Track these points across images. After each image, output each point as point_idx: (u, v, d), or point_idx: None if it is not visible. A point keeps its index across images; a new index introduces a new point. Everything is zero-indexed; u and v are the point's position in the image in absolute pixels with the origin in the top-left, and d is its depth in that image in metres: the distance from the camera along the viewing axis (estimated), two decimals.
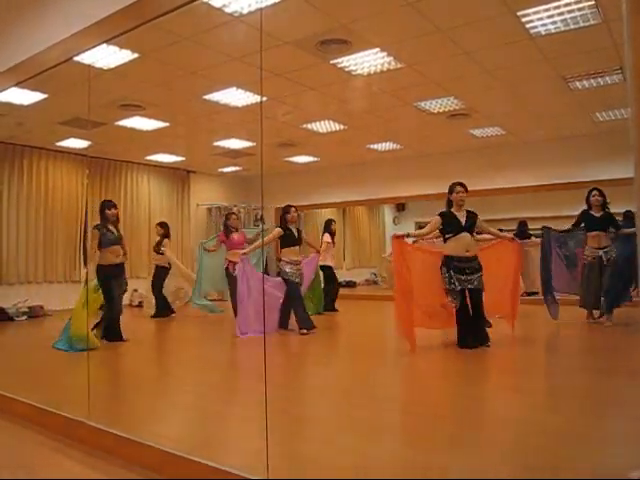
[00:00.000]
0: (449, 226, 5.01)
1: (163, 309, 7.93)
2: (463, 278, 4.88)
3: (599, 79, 5.88)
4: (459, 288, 4.86)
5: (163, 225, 8.07)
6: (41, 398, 3.21)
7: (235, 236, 6.98)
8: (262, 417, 2.34)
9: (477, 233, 5.40)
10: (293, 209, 6.37)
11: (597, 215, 6.05)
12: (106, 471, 2.42)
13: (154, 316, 7.87)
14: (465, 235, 4.96)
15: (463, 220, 5.00)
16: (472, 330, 4.90)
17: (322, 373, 4.46)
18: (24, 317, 7.81)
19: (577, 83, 6.02)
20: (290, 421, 3.02)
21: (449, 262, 4.94)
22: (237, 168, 11.07)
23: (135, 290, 9.21)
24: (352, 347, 5.79)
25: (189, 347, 5.99)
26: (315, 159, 10.37)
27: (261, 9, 4.14)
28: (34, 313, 7.97)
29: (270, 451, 2.20)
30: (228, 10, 4.15)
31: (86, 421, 2.79)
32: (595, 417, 3.00)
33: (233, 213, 7.55)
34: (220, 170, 11.39)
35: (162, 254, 7.90)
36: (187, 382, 4.36)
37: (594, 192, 6.09)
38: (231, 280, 6.76)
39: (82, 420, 2.81)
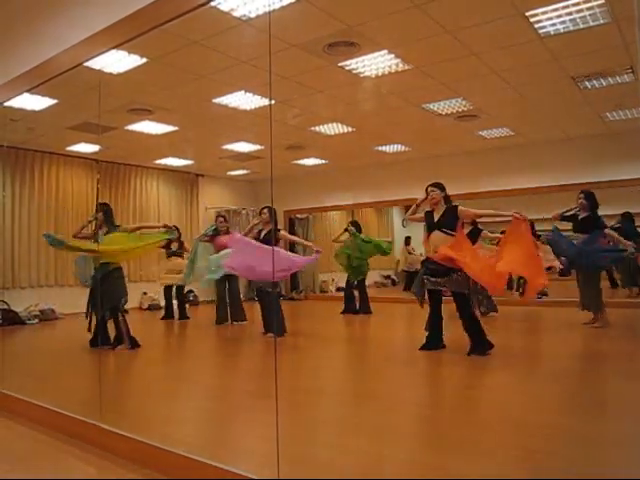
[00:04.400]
0: (426, 225, 4.96)
1: (172, 312, 7.98)
2: (431, 280, 4.81)
3: (609, 79, 5.83)
4: (425, 289, 4.86)
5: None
6: (54, 401, 3.23)
7: (223, 239, 6.97)
8: (273, 420, 2.34)
9: (473, 224, 5.18)
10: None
11: (579, 218, 6.03)
12: (118, 473, 2.43)
13: (164, 318, 7.92)
14: (436, 233, 4.82)
15: (437, 218, 4.87)
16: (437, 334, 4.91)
17: (332, 375, 4.45)
18: (36, 320, 7.86)
19: (587, 83, 5.97)
20: (301, 423, 3.02)
21: (424, 264, 4.96)
22: (246, 171, 11.10)
23: (144, 293, 9.26)
24: (362, 349, 5.78)
25: (199, 350, 6.01)
26: (323, 161, 10.38)
27: (269, 12, 4.16)
28: (46, 316, 8.02)
29: (281, 453, 2.20)
30: (236, 14, 4.17)
31: (98, 424, 2.80)
32: (607, 420, 2.97)
33: (221, 215, 7.61)
34: (229, 173, 11.42)
35: (180, 255, 7.91)
36: (198, 384, 4.37)
37: (579, 195, 6.05)
38: (218, 281, 7.03)
39: (94, 422, 2.82)
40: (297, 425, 2.96)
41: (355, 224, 8.48)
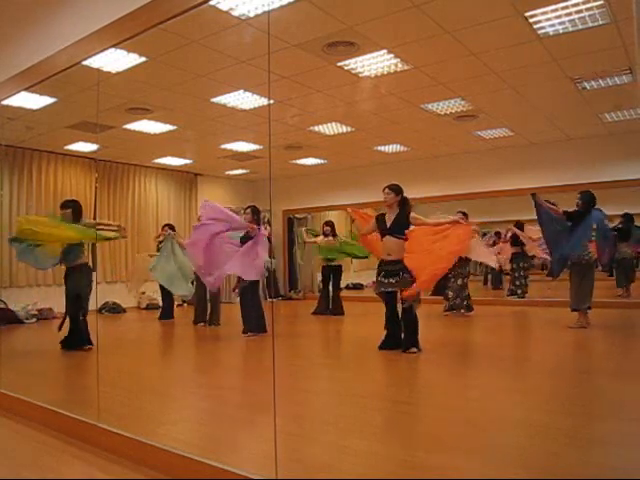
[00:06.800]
0: (379, 229, 5.05)
1: (170, 312, 7.99)
2: (384, 281, 4.92)
3: (608, 80, 5.84)
4: (380, 290, 4.98)
5: (172, 227, 8.09)
6: (52, 400, 3.23)
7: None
8: (270, 419, 2.34)
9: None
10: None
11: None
12: (116, 473, 2.43)
13: (161, 318, 7.91)
14: (388, 238, 4.95)
15: (389, 223, 4.98)
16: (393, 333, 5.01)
17: (329, 376, 4.45)
18: (34, 320, 7.86)
19: (585, 84, 5.98)
20: (298, 423, 3.02)
21: (379, 265, 5.05)
22: (244, 171, 11.09)
23: (143, 293, 9.25)
24: (359, 349, 5.77)
25: (197, 349, 6.00)
26: (322, 161, 10.37)
27: (268, 12, 4.15)
28: (43, 316, 8.01)
29: (279, 453, 2.19)
30: (235, 13, 4.17)
31: (96, 423, 2.80)
32: (607, 419, 2.97)
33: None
34: (227, 173, 11.41)
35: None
36: (195, 384, 4.37)
37: (577, 195, 6.09)
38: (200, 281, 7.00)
39: (92, 422, 2.82)
40: (295, 425, 2.95)
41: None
